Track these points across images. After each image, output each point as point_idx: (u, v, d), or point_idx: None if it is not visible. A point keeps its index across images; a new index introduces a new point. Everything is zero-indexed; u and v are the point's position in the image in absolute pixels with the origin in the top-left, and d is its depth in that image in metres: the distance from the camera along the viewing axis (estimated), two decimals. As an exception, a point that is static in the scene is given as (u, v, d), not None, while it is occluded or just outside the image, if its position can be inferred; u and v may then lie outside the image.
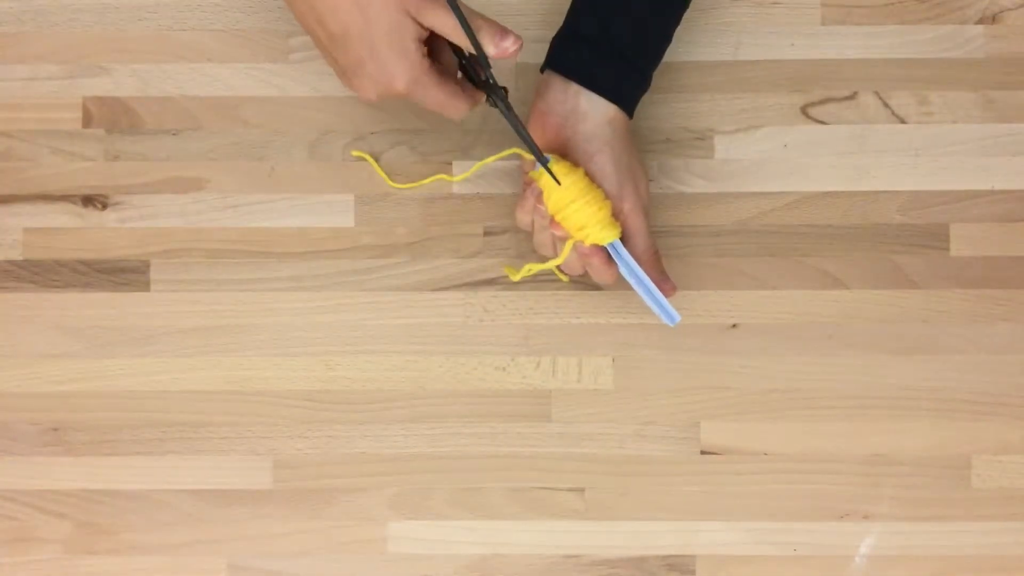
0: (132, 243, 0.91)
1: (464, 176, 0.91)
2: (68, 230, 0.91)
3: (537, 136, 0.84)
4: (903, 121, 0.91)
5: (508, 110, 0.82)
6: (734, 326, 0.90)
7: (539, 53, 0.86)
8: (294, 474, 0.90)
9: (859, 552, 0.89)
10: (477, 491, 0.89)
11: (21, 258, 0.91)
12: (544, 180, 0.83)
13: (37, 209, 0.91)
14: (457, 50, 0.82)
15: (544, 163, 0.82)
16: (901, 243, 0.90)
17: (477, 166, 0.88)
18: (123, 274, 0.91)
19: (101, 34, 0.92)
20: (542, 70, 0.86)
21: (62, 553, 0.89)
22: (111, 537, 0.89)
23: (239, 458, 0.90)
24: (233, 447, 0.90)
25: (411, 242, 0.91)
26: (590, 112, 0.84)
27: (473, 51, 0.79)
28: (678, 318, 0.85)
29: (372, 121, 0.92)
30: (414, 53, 0.79)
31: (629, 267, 0.84)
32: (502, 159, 0.87)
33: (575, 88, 0.84)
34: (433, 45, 0.83)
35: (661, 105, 0.91)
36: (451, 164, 0.91)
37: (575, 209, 0.83)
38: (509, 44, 0.79)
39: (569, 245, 0.84)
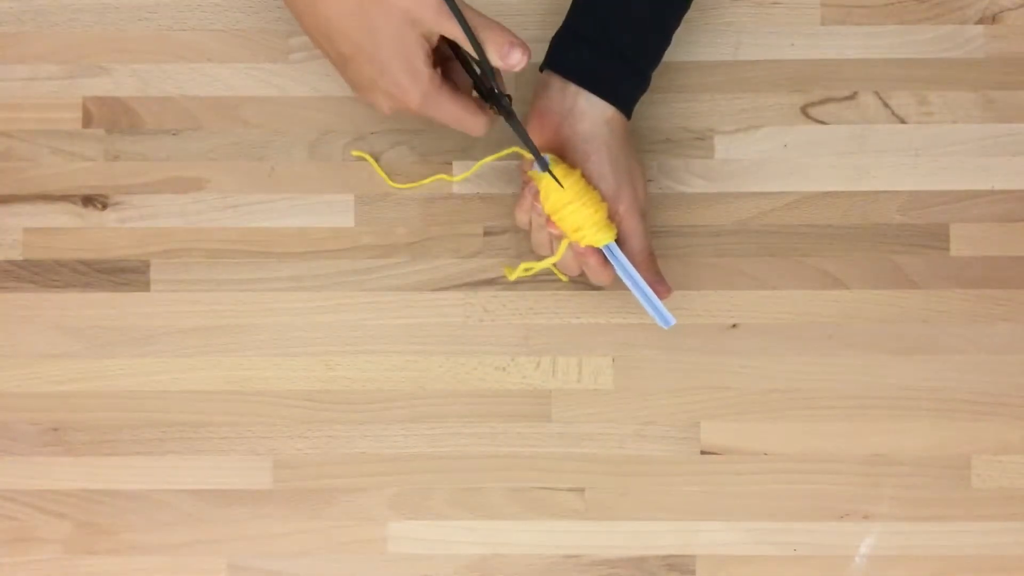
0: (132, 243, 0.91)
1: (464, 176, 0.91)
2: (68, 230, 0.91)
3: (535, 135, 0.84)
4: (903, 121, 0.91)
5: (511, 117, 0.82)
6: (734, 326, 0.90)
7: (539, 53, 0.86)
8: (294, 474, 0.90)
9: (859, 552, 0.89)
10: (477, 491, 0.89)
11: (21, 258, 0.91)
12: (541, 180, 0.83)
13: (37, 209, 0.91)
14: (465, 62, 0.82)
15: (545, 167, 0.82)
16: (901, 243, 0.90)
17: (477, 166, 0.88)
18: (123, 274, 0.91)
19: (101, 34, 0.92)
20: (541, 69, 0.86)
21: (62, 553, 0.89)
22: (111, 537, 0.89)
23: (239, 458, 0.90)
24: (233, 447, 0.90)
25: (411, 242, 0.91)
26: (588, 112, 0.84)
27: (482, 58, 0.79)
28: (673, 321, 0.85)
29: (372, 121, 0.92)
30: (424, 70, 0.79)
31: (624, 269, 0.84)
32: (502, 159, 0.87)
33: (573, 88, 0.84)
34: (445, 66, 0.83)
35: (661, 105, 0.91)
36: (451, 164, 0.91)
37: (571, 210, 0.83)
38: (516, 60, 0.79)
39: (564, 244, 0.84)
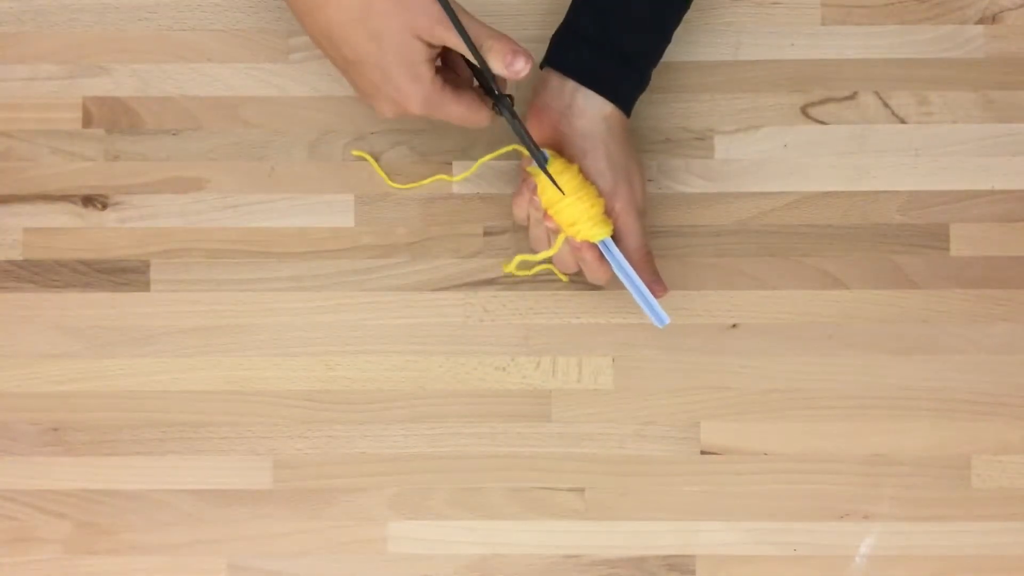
0: (132, 243, 0.91)
1: (464, 176, 0.91)
2: (68, 230, 0.91)
3: (534, 131, 0.84)
4: (903, 121, 0.91)
5: (514, 119, 0.82)
6: (734, 326, 0.90)
7: (538, 52, 0.86)
8: (294, 474, 0.90)
9: (859, 552, 0.89)
10: (477, 491, 0.89)
11: (21, 258, 0.91)
12: (539, 175, 0.83)
13: (37, 209, 0.91)
14: (468, 59, 0.82)
15: (543, 166, 0.82)
16: (901, 243, 0.90)
17: (477, 166, 0.88)
18: (123, 274, 0.91)
19: (101, 34, 0.92)
20: (541, 67, 0.86)
21: (62, 553, 0.89)
22: (111, 537, 0.89)
23: (239, 458, 0.90)
24: (233, 447, 0.90)
25: (411, 242, 0.91)
26: (586, 109, 0.84)
27: (484, 67, 0.79)
28: (667, 320, 0.85)
29: (372, 121, 0.92)
30: (426, 75, 0.79)
31: (620, 265, 0.84)
32: (501, 158, 0.87)
33: (572, 85, 0.84)
34: (448, 59, 0.83)
35: (661, 105, 0.91)
36: (451, 164, 0.91)
37: (568, 204, 0.83)
38: (519, 67, 0.79)
39: (561, 238, 0.84)
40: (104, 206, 0.91)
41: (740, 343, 0.90)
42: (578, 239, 0.84)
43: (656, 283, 0.86)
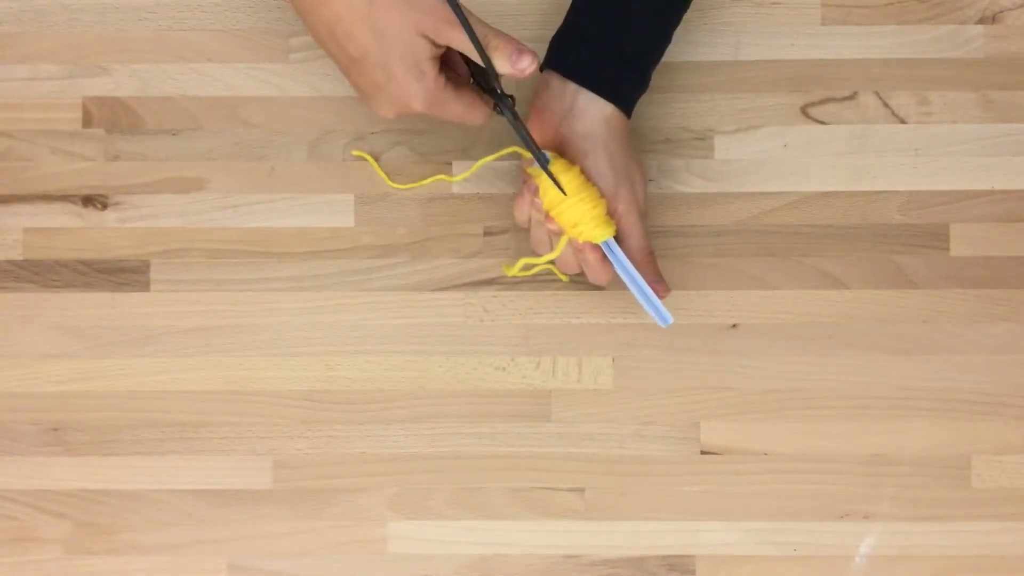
0: (132, 243, 0.91)
1: (464, 176, 0.91)
2: (68, 230, 0.91)
3: (535, 133, 0.84)
4: (903, 121, 0.91)
5: (515, 119, 0.82)
6: (734, 326, 0.90)
7: (539, 53, 0.86)
8: (294, 474, 0.90)
9: (859, 552, 0.89)
10: (477, 491, 0.89)
11: (21, 258, 0.91)
12: (540, 176, 0.83)
13: (37, 209, 0.91)
14: (467, 58, 0.82)
15: (545, 166, 0.82)
16: (901, 243, 0.90)
17: (477, 166, 0.88)
18: (123, 274, 0.91)
19: (101, 34, 0.92)
20: (541, 69, 0.86)
21: (62, 553, 0.89)
22: (111, 537, 0.89)
23: (239, 458, 0.90)
24: (233, 447, 0.90)
25: (411, 242, 0.91)
26: (587, 110, 0.84)
27: (488, 66, 0.79)
28: (671, 320, 0.85)
29: (372, 121, 0.92)
30: (430, 73, 0.79)
31: (623, 266, 0.84)
32: (502, 159, 0.87)
33: (573, 87, 0.84)
34: (447, 58, 0.83)
35: (661, 105, 0.91)
36: (451, 164, 0.91)
37: (569, 206, 0.83)
38: (526, 65, 0.79)
39: (564, 240, 0.84)
40: (104, 206, 0.91)
41: (740, 343, 0.90)
42: (581, 240, 0.84)
43: (659, 283, 0.86)
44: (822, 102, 0.91)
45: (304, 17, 0.82)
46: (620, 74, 0.85)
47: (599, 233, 0.83)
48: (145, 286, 0.91)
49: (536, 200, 0.84)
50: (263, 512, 0.89)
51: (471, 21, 0.78)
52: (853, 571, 0.89)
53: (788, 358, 0.90)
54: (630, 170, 0.85)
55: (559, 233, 0.84)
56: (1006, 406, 0.89)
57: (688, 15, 0.88)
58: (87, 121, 0.92)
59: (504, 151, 0.86)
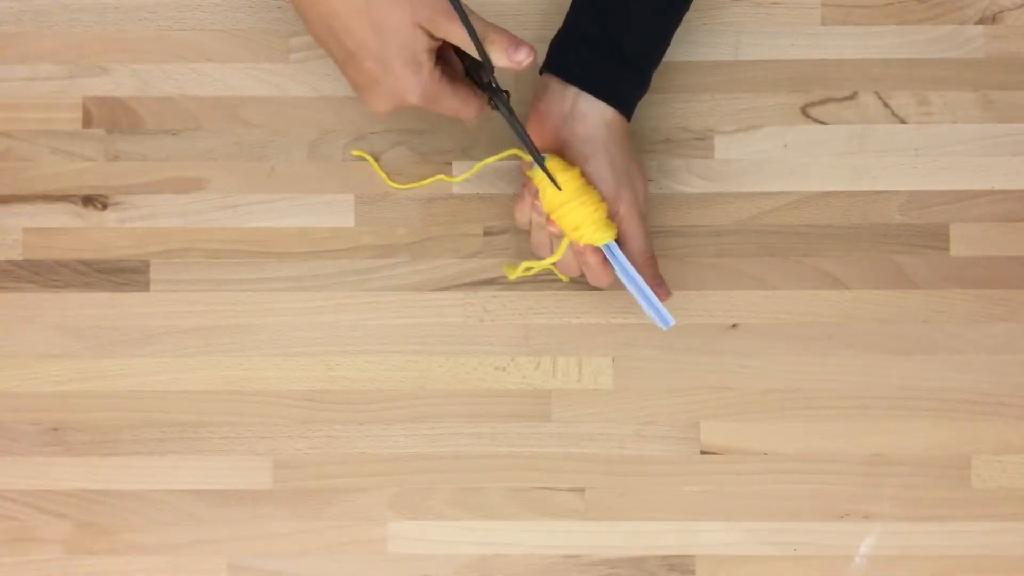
0: (132, 243, 0.91)
1: (464, 176, 0.91)
2: (68, 230, 0.91)
3: (535, 136, 0.84)
4: (903, 121, 0.91)
5: (510, 114, 0.82)
6: (734, 326, 0.90)
7: (539, 53, 0.86)
8: (294, 474, 0.90)
9: (859, 552, 0.89)
10: (477, 491, 0.89)
11: (21, 258, 0.91)
12: (540, 178, 0.83)
13: (37, 209, 0.91)
14: (461, 53, 0.82)
15: (542, 165, 0.82)
16: (901, 243, 0.90)
17: (477, 166, 0.88)
18: (123, 274, 0.91)
19: (101, 34, 0.92)
20: (541, 72, 0.86)
21: (62, 553, 0.89)
22: (111, 537, 0.89)
23: (239, 458, 0.90)
24: (233, 447, 0.90)
25: (411, 242, 0.91)
26: (588, 114, 0.84)
27: (484, 59, 0.79)
28: (672, 322, 0.85)
29: (372, 121, 0.92)
30: (426, 66, 0.80)
31: (624, 269, 0.84)
32: (502, 159, 0.87)
33: (573, 90, 0.84)
34: (443, 52, 0.83)
35: (661, 105, 0.91)
36: (451, 164, 0.91)
37: (570, 209, 0.83)
38: (523, 57, 0.80)
39: (565, 243, 0.84)
40: (104, 206, 0.91)
41: (740, 343, 0.90)
42: (582, 243, 0.84)
43: (660, 287, 0.86)
44: (822, 102, 0.91)
45: (302, 12, 0.82)
46: (620, 75, 0.85)
47: (600, 236, 0.83)
48: (145, 286, 0.91)
49: (536, 203, 0.84)
50: (263, 512, 0.89)
51: (468, 15, 0.78)
52: (853, 571, 0.89)
53: (788, 358, 0.90)
54: (631, 172, 0.85)
55: (560, 236, 0.84)
56: (1006, 406, 0.89)
57: (688, 15, 0.88)
58: (87, 121, 0.92)
59: (505, 153, 0.86)
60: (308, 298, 0.91)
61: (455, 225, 0.91)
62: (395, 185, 0.91)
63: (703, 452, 0.89)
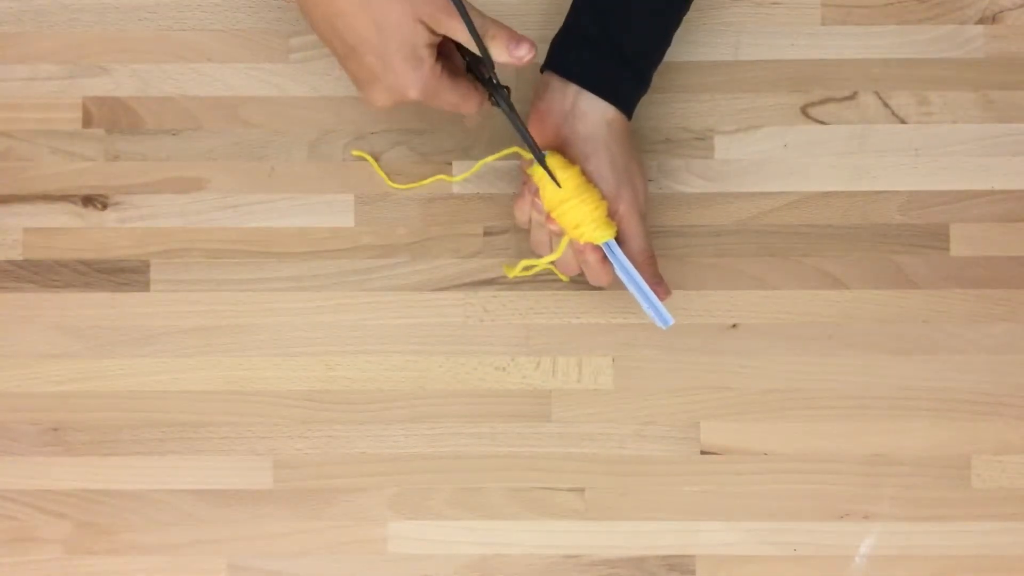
0: (132, 243, 0.91)
1: (464, 176, 0.91)
2: (68, 230, 0.91)
3: (536, 135, 0.84)
4: (903, 121, 0.91)
5: (511, 110, 0.82)
6: (734, 326, 0.90)
7: (539, 52, 0.86)
8: (294, 474, 0.90)
9: (859, 552, 0.89)
10: (477, 491, 0.89)
11: (21, 258, 0.91)
12: (540, 176, 0.83)
13: (37, 209, 0.91)
14: (462, 48, 0.82)
15: (542, 162, 0.82)
16: (901, 243, 0.90)
17: (477, 166, 0.88)
18: (123, 274, 0.91)
19: (101, 34, 0.92)
20: (542, 70, 0.86)
21: (62, 553, 0.89)
22: (111, 537, 0.89)
23: (239, 458, 0.90)
24: (233, 447, 0.90)
25: (411, 242, 0.91)
26: (588, 112, 0.84)
27: (485, 55, 0.79)
28: (671, 321, 0.85)
29: (372, 121, 0.92)
30: (427, 62, 0.80)
31: (624, 268, 0.84)
32: (502, 159, 0.87)
33: (574, 89, 0.84)
34: (443, 48, 0.83)
35: (661, 105, 0.91)
36: (451, 164, 0.91)
37: (571, 207, 0.83)
38: (523, 53, 0.80)
39: (565, 241, 0.84)
40: (104, 206, 0.91)
41: (740, 343, 0.90)
42: (582, 241, 0.84)
43: (660, 286, 0.86)
44: (822, 102, 0.91)
45: (304, 7, 0.82)
46: (620, 74, 0.85)
47: (600, 234, 0.83)
48: (145, 286, 0.91)
49: (537, 201, 0.84)
50: (263, 512, 0.89)
51: (469, 11, 0.78)
52: (853, 571, 0.89)
53: (788, 358, 0.90)
54: (631, 171, 0.85)
55: (560, 234, 0.84)
56: (1006, 406, 0.89)
57: (688, 15, 0.88)
58: (87, 121, 0.92)
59: (505, 151, 0.86)
60: (308, 298, 0.91)
61: (455, 225, 0.91)
62: (395, 185, 0.91)
63: (703, 452, 0.89)
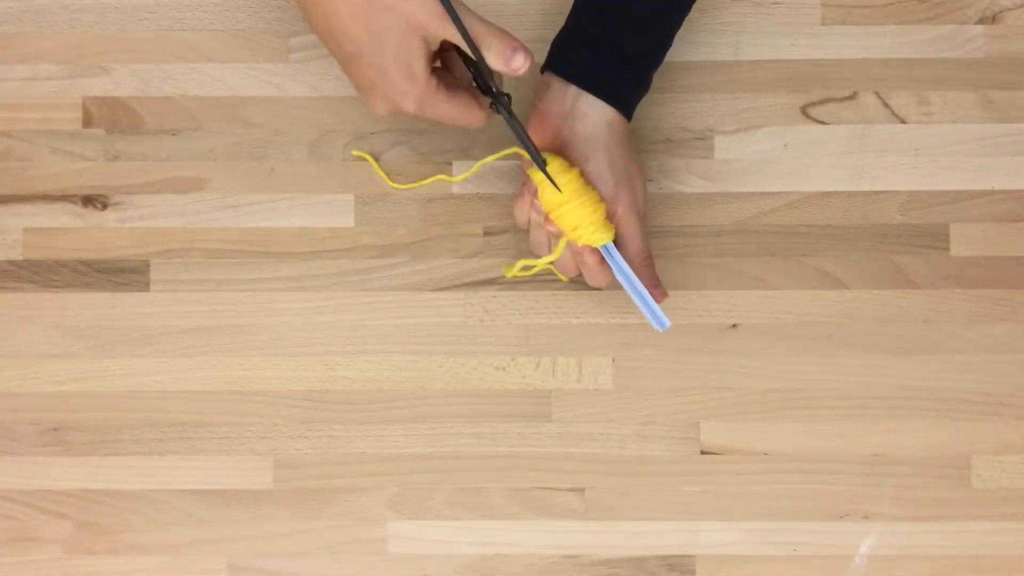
0: (132, 243, 0.91)
1: (464, 176, 0.91)
2: (68, 230, 0.91)
3: (535, 136, 0.84)
4: (903, 121, 0.91)
5: (511, 117, 0.82)
6: (734, 326, 0.90)
7: (538, 53, 0.86)
8: (294, 474, 0.90)
9: (859, 552, 0.89)
10: (477, 491, 0.89)
11: (21, 258, 0.91)
12: (539, 178, 0.83)
13: (37, 209, 0.91)
14: (465, 56, 0.82)
15: (543, 169, 0.82)
16: (901, 243, 0.90)
17: (477, 166, 0.88)
18: (123, 274, 0.91)
19: (101, 34, 0.92)
20: (542, 71, 0.86)
21: (62, 553, 0.89)
22: (111, 537, 0.89)
23: (239, 458, 0.90)
24: (233, 447, 0.90)
25: (411, 242, 0.91)
26: (588, 114, 0.84)
27: (481, 64, 0.79)
28: (668, 324, 0.85)
29: (372, 121, 0.92)
30: (422, 75, 0.79)
31: (621, 270, 0.84)
32: (502, 159, 0.87)
33: (574, 90, 0.84)
34: (446, 58, 0.83)
35: (661, 105, 0.91)
36: (451, 164, 0.91)
37: (569, 209, 0.83)
38: (519, 63, 0.79)
39: (563, 242, 0.84)
40: (104, 206, 0.91)
41: (740, 343, 0.90)
42: (580, 243, 0.84)
43: (657, 288, 0.86)
44: (822, 102, 0.91)
45: (306, 13, 0.82)
46: (620, 75, 0.85)
47: (598, 237, 0.83)
48: (145, 286, 0.91)
49: (536, 202, 0.84)
50: (263, 512, 0.89)
51: (467, 18, 0.78)
52: (853, 571, 0.89)
53: (788, 358, 0.90)
54: (630, 173, 0.85)
55: (558, 235, 0.84)
56: (1006, 406, 0.89)
57: (688, 15, 0.88)
58: (87, 121, 0.92)
59: (505, 151, 0.86)
60: (308, 298, 0.91)
61: (455, 225, 0.91)
62: (395, 185, 0.91)
63: (703, 452, 0.89)
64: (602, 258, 0.84)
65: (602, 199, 0.84)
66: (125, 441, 0.90)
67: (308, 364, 0.90)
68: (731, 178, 0.91)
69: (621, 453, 0.89)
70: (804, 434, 0.89)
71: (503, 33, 0.79)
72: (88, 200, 0.91)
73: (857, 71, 0.91)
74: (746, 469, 0.89)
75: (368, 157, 0.91)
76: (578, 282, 0.90)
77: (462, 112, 0.82)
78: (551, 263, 0.87)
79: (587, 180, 0.84)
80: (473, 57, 0.79)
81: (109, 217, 0.91)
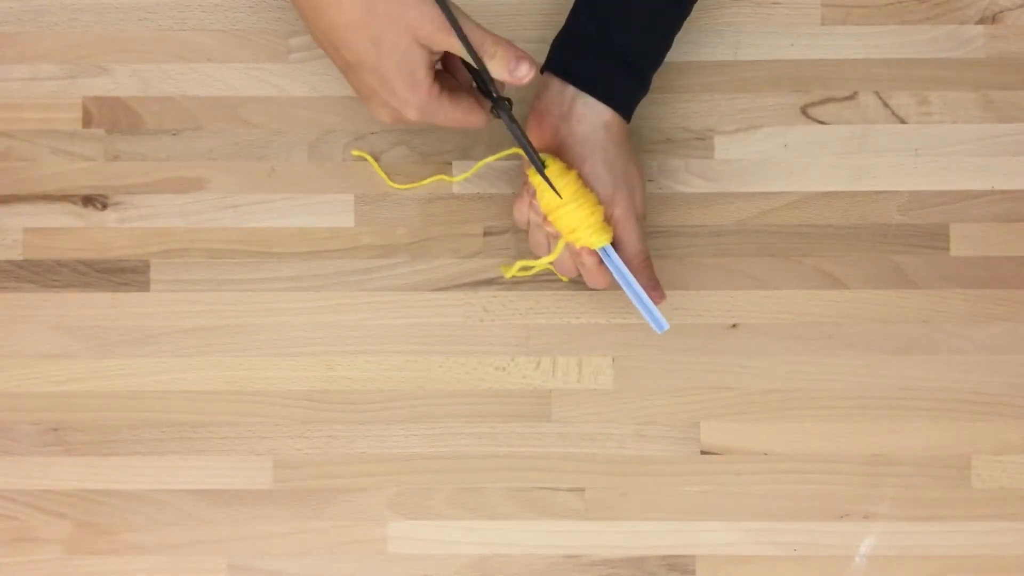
0: (132, 243, 0.91)
1: (464, 176, 0.91)
2: (68, 230, 0.91)
3: (534, 136, 0.84)
4: (903, 121, 0.91)
5: (512, 122, 0.82)
6: (734, 326, 0.90)
7: (538, 54, 0.86)
8: (294, 474, 0.90)
9: (859, 552, 0.89)
10: (477, 491, 0.89)
11: (21, 258, 0.91)
12: (538, 180, 0.83)
13: (37, 209, 0.91)
14: (467, 62, 0.82)
15: (543, 173, 0.82)
16: (901, 243, 0.90)
17: (477, 166, 0.88)
18: (123, 274, 0.91)
19: (101, 34, 0.92)
20: (542, 71, 0.86)
21: (62, 553, 0.89)
22: (111, 537, 0.89)
23: (239, 458, 0.90)
24: (233, 447, 0.90)
25: (411, 242, 0.91)
26: (586, 115, 0.84)
27: (484, 73, 0.79)
28: (666, 326, 0.85)
29: (372, 121, 0.92)
30: (424, 83, 0.79)
31: (620, 272, 0.84)
32: (502, 159, 0.87)
33: (572, 90, 0.84)
34: (447, 62, 0.83)
35: (661, 105, 0.91)
36: (451, 164, 0.91)
37: (567, 211, 0.83)
38: (523, 72, 0.79)
39: (561, 243, 0.84)
40: (104, 206, 0.91)
41: (740, 343, 0.90)
42: (578, 245, 0.84)
43: (655, 290, 0.86)
44: (822, 102, 0.91)
45: (305, 21, 0.82)
46: (618, 76, 0.84)
47: (596, 239, 0.83)
48: (145, 286, 0.91)
49: (535, 203, 0.84)
50: (263, 512, 0.89)
51: (469, 26, 0.78)
52: (853, 571, 0.89)
53: (788, 358, 0.90)
54: (629, 174, 0.85)
55: (557, 236, 0.84)
56: (1006, 406, 0.89)
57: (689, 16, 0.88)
58: (87, 121, 0.92)
59: (505, 152, 0.86)
60: (308, 298, 0.91)
61: (455, 225, 0.91)
62: (395, 185, 0.91)
63: (703, 452, 0.89)
64: (600, 259, 0.84)
65: (600, 201, 0.84)
66: (125, 441, 0.90)
67: (308, 364, 0.90)
68: (731, 178, 0.91)
69: (621, 453, 0.89)
70: (804, 434, 0.89)
71: (506, 43, 0.79)
72: (88, 200, 0.91)
73: (857, 71, 0.91)
74: (746, 469, 0.89)
75: (368, 157, 0.91)
76: (578, 282, 0.90)
77: (464, 115, 0.82)
78: (550, 263, 0.87)
79: (585, 182, 0.84)
80: (476, 67, 0.79)
81: (109, 217, 0.91)
